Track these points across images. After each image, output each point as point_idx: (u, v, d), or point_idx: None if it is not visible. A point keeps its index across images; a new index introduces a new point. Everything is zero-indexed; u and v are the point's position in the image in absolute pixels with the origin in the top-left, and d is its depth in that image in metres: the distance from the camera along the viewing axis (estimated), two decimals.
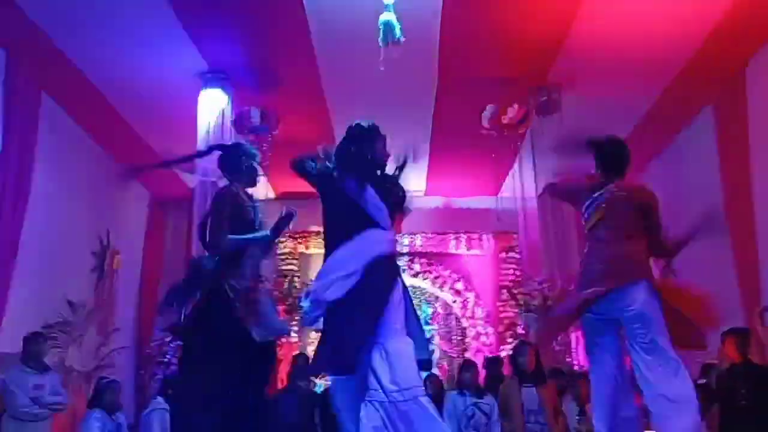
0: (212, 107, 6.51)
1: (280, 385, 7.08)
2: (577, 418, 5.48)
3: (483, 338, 9.05)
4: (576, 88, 6.50)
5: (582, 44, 5.85)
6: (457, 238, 9.42)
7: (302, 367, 6.18)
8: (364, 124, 3.16)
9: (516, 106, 6.77)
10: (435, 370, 8.04)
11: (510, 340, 8.54)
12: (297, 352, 7.92)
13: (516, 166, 7.64)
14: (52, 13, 5.37)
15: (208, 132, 6.53)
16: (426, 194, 9.15)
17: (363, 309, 2.80)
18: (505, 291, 9.05)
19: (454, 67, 6.18)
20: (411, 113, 6.76)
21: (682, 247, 3.53)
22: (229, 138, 6.66)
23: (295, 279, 8.94)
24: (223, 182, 3.77)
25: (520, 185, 7.58)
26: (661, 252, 3.55)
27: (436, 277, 9.29)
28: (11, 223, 5.74)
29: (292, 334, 8.61)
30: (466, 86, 6.48)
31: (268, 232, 3.48)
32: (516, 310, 8.74)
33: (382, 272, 2.89)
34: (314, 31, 5.66)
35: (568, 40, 5.82)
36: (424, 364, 3.03)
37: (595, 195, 3.45)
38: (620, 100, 6.70)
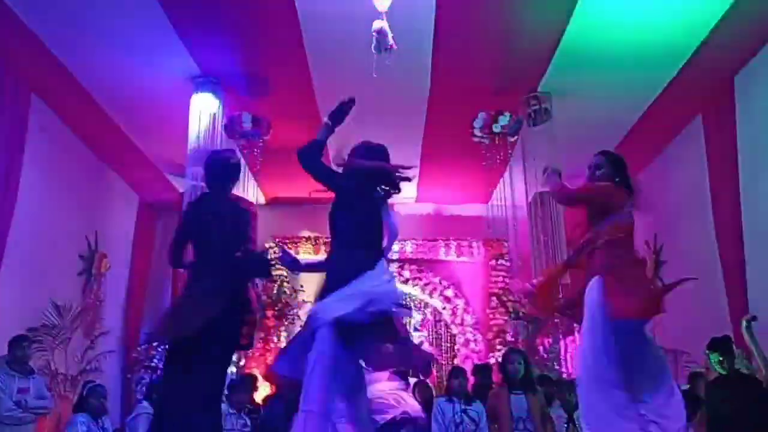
0: (203, 112, 6.49)
1: (269, 391, 7.06)
2: (565, 425, 5.49)
3: (472, 345, 9.05)
4: (567, 98, 6.54)
5: (573, 54, 5.89)
6: (447, 245, 9.43)
7: None
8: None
9: (508, 114, 6.81)
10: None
11: (499, 347, 8.55)
12: None
13: (506, 174, 7.67)
14: (44, 16, 5.35)
15: (198, 137, 6.52)
16: (417, 201, 9.17)
17: None
18: (494, 298, 9.07)
19: (446, 75, 6.20)
20: (403, 120, 6.78)
21: None
22: (220, 143, 6.66)
23: (285, 284, 8.91)
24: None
25: (511, 193, 7.60)
26: None
27: (425, 284, 9.30)
28: None
29: (281, 339, 8.59)
30: (458, 94, 6.51)
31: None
32: (505, 318, 8.77)
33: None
34: (307, 37, 5.66)
35: (560, 51, 5.86)
36: (423, 368, 3.09)
37: (626, 209, 3.47)
38: (611, 110, 6.75)
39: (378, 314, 2.89)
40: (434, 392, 6.79)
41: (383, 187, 3.22)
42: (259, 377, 7.41)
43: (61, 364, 6.68)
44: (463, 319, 9.21)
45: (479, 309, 9.25)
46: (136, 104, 6.68)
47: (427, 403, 6.01)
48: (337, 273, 2.98)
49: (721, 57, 5.87)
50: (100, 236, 7.74)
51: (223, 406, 5.49)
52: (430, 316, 9.29)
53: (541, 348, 7.97)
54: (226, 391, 4.85)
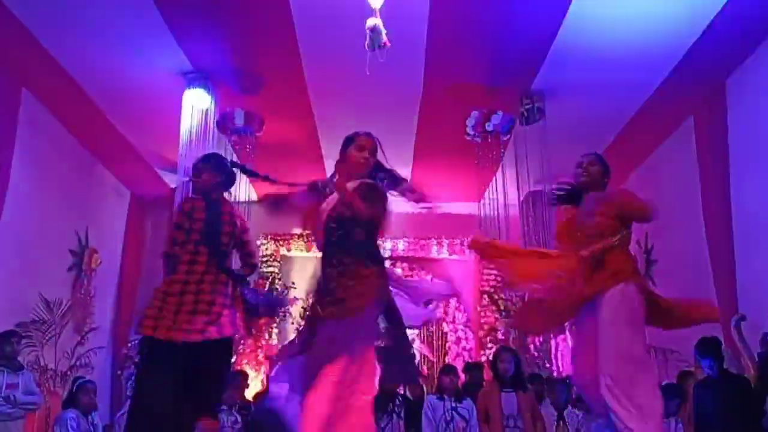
0: (195, 107, 6.47)
1: (260, 388, 7.05)
2: (555, 423, 5.52)
3: (463, 343, 9.07)
4: (559, 98, 6.55)
5: (566, 54, 5.90)
6: (439, 243, 9.44)
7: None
8: None
9: (500, 113, 6.82)
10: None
11: (490, 345, 8.57)
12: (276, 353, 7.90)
13: (499, 173, 7.68)
14: (35, 10, 5.31)
15: (191, 132, 6.49)
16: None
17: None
18: (486, 296, 9.09)
19: (439, 73, 6.20)
20: (396, 118, 6.77)
21: None
22: (212, 139, 6.64)
23: (276, 281, 8.90)
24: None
25: (503, 192, 7.62)
26: None
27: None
28: None
29: (273, 336, 8.58)
30: (451, 93, 6.51)
31: None
32: (496, 316, 8.79)
33: None
34: (300, 34, 5.65)
35: (553, 50, 5.87)
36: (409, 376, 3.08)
37: None
38: (603, 110, 6.76)
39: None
40: (425, 390, 6.82)
41: None
42: (250, 374, 7.40)
43: (50, 360, 6.65)
44: (454, 317, 9.23)
45: (471, 307, 9.26)
46: (128, 99, 6.64)
47: (418, 401, 6.04)
48: None
49: (714, 59, 5.90)
50: (90, 231, 7.70)
51: None
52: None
53: (532, 346, 8.00)
54: None
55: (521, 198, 7.54)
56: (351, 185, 3.07)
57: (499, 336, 8.65)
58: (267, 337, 8.55)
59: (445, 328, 9.26)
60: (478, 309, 9.17)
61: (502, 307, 8.39)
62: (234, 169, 3.84)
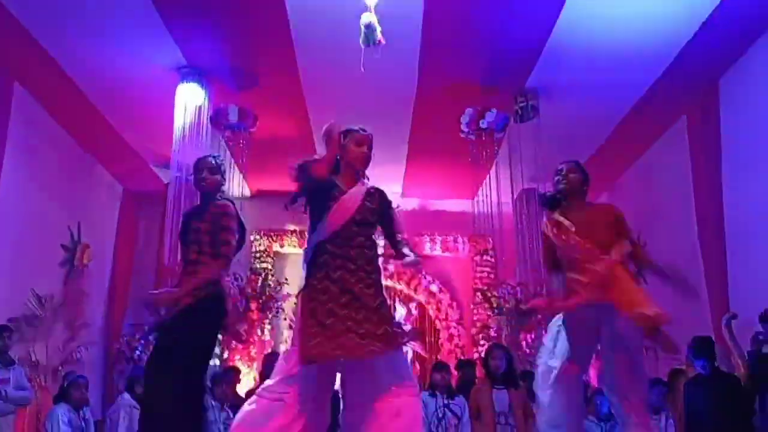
0: (189, 103, 6.45)
1: (252, 384, 7.04)
2: None
3: (456, 340, 9.09)
4: (553, 96, 6.57)
5: (560, 53, 5.92)
6: (432, 240, 9.45)
7: (273, 365, 6.14)
8: None
9: (495, 111, 6.83)
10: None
11: (482, 342, 8.58)
12: (269, 350, 7.89)
13: (493, 170, 7.70)
14: (27, 3, 5.27)
15: (184, 128, 6.48)
16: (403, 196, 9.17)
17: None
18: (478, 293, 9.10)
19: (434, 71, 6.20)
20: (390, 115, 6.77)
21: None
22: (206, 135, 6.63)
23: (269, 277, 8.89)
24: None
25: (497, 189, 7.63)
26: None
27: (410, 279, 9.31)
28: None
29: (265, 332, 8.57)
30: (445, 90, 6.51)
31: None
32: (489, 313, 8.80)
33: None
34: (295, 30, 5.64)
35: (547, 49, 5.89)
36: None
37: None
38: (596, 109, 6.78)
39: None
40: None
41: None
42: (243, 370, 7.39)
43: (42, 355, 6.62)
44: (447, 314, 9.24)
45: (463, 304, 9.28)
46: (121, 94, 6.61)
47: None
48: None
49: (706, 59, 5.92)
50: (83, 227, 7.66)
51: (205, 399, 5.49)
52: (414, 311, 9.31)
53: (524, 343, 8.02)
54: (209, 384, 4.84)
55: (515, 196, 7.56)
56: (358, 189, 3.02)
57: (492, 333, 8.67)
58: (259, 333, 8.54)
59: (438, 325, 9.28)
60: (471, 306, 9.18)
61: (494, 305, 8.40)
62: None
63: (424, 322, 9.35)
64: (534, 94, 6.63)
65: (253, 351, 8.27)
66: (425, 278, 9.29)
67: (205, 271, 3.36)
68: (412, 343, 8.81)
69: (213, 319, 3.43)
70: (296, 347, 2.85)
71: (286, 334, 8.74)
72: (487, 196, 7.88)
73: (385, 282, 8.78)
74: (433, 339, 9.27)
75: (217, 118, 6.80)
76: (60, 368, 6.76)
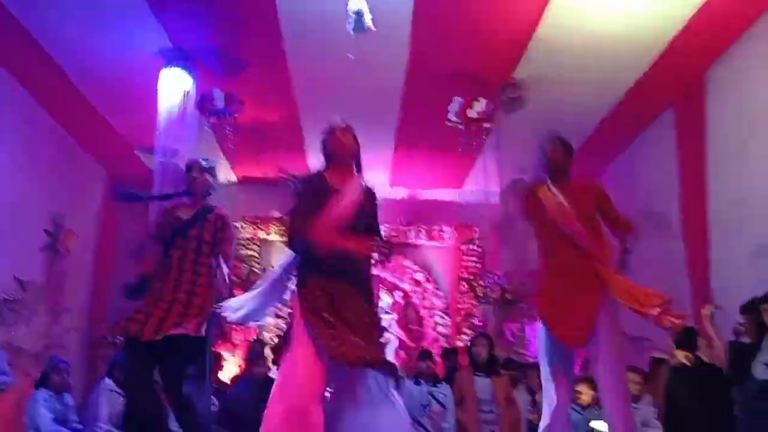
0: (175, 87, 6.37)
1: (236, 371, 7.05)
2: (529, 408, 5.59)
3: (441, 328, 9.12)
4: (541, 87, 6.57)
5: (549, 44, 5.91)
6: (419, 229, 9.46)
7: (258, 352, 6.14)
8: None
9: (483, 101, 6.82)
10: (392, 359, 8.10)
11: (467, 331, 8.63)
12: (254, 337, 7.89)
13: (480, 160, 7.70)
14: None
15: (169, 113, 6.40)
16: (390, 185, 9.16)
17: None
18: (464, 283, 9.14)
19: (423, 59, 6.18)
20: (378, 103, 6.74)
21: None
22: (191, 120, 6.56)
23: (255, 265, 8.86)
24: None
25: (484, 179, 7.64)
26: None
27: (396, 268, 9.32)
28: None
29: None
30: (434, 79, 6.49)
31: None
32: (474, 302, 8.85)
33: None
34: (283, 15, 5.58)
35: (535, 39, 5.88)
36: None
37: None
38: (584, 100, 6.80)
39: None
40: (402, 374, 6.86)
41: None
42: (226, 356, 7.39)
43: (23, 340, 6.57)
44: (432, 303, 9.27)
45: (449, 293, 9.31)
46: (105, 77, 6.52)
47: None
48: None
49: (694, 52, 5.94)
50: (66, 211, 7.58)
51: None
52: (400, 300, 9.33)
53: (508, 332, 8.08)
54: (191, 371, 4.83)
55: (502, 186, 7.57)
56: (353, 189, 2.97)
57: (476, 322, 8.72)
58: None
59: (423, 313, 9.31)
60: (456, 295, 9.22)
61: (480, 294, 8.45)
62: None
63: (409, 310, 9.38)
64: (522, 84, 6.63)
65: (237, 338, 8.25)
66: (411, 267, 9.31)
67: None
68: (399, 330, 8.85)
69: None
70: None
71: (271, 322, 8.74)
72: (474, 185, 7.89)
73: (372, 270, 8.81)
74: (418, 327, 9.31)
75: (203, 104, 6.73)
76: (42, 353, 6.71)
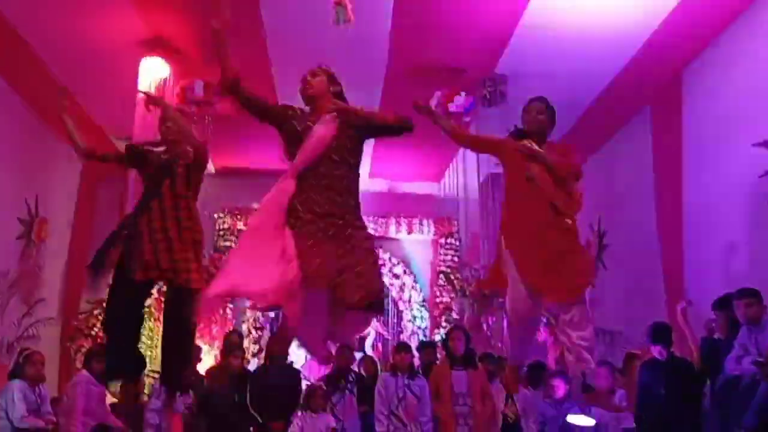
0: (153, 76, 6.30)
1: (213, 362, 7.01)
2: (504, 402, 5.64)
3: (418, 322, 9.16)
4: (521, 82, 6.60)
5: (529, 39, 5.95)
6: (398, 222, 9.47)
7: (235, 344, 6.12)
8: None
9: (463, 95, 6.84)
10: (370, 352, 8.12)
11: (444, 324, 8.68)
12: (231, 329, 7.85)
13: (460, 153, 7.73)
14: None
15: (148, 91, 6.32)
16: (369, 176, 9.15)
17: None
18: (442, 276, 9.18)
19: (404, 53, 6.18)
20: (359, 96, 6.66)
21: None
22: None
23: None
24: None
25: (463, 173, 7.67)
26: None
27: None
28: None
29: (227, 312, 8.52)
30: (414, 73, 6.50)
31: None
32: (452, 295, 8.89)
33: None
34: (264, 6, 5.55)
35: (516, 35, 5.92)
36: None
37: None
38: (563, 96, 6.80)
39: None
40: (379, 367, 6.88)
41: None
42: (204, 348, 7.34)
43: None
44: (410, 296, 9.30)
45: (427, 286, 9.35)
46: (82, 64, 6.42)
47: (371, 377, 6.09)
48: None
49: (671, 51, 6.01)
50: (40, 200, 7.48)
51: None
52: None
53: (485, 325, 8.13)
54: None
55: (481, 179, 7.61)
56: (329, 116, 3.04)
57: (454, 315, 8.77)
58: (221, 312, 8.49)
59: (401, 306, 9.34)
60: (434, 289, 9.26)
61: (457, 287, 8.49)
62: None
63: (386, 303, 9.41)
64: (502, 79, 6.66)
65: (215, 330, 8.22)
66: (390, 260, 9.32)
67: None
68: (376, 323, 8.86)
69: None
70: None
71: (248, 314, 8.71)
72: (453, 179, 7.92)
73: None
74: (395, 320, 9.34)
75: (183, 93, 6.66)
76: (15, 344, 6.62)
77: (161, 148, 3.90)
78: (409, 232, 9.52)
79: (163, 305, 4.01)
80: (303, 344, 3.56)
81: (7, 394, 4.99)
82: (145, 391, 6.39)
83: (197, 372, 6.27)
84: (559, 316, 3.45)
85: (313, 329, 2.92)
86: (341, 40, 4.59)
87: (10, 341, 6.66)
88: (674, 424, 4.65)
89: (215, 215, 8.87)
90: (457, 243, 9.26)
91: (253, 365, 7.52)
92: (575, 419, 4.90)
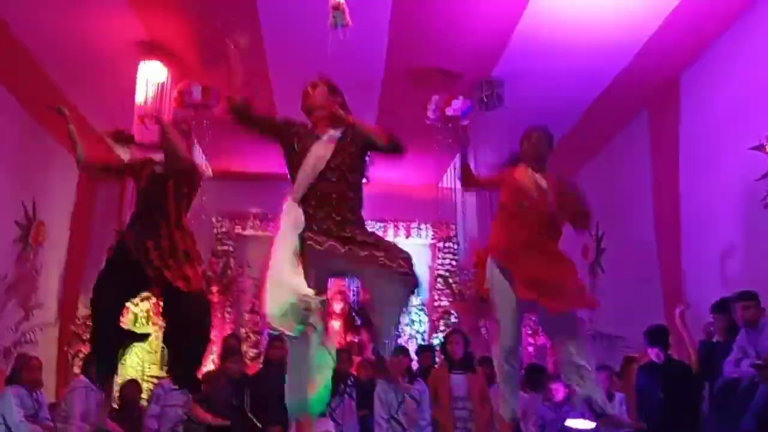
0: (151, 80, 6.30)
1: (212, 366, 6.99)
2: None
3: (417, 326, 9.15)
4: (519, 85, 6.61)
5: (526, 43, 5.96)
6: (396, 226, 9.47)
7: (233, 348, 6.11)
8: None
9: (461, 98, 6.84)
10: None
11: (443, 328, 8.67)
12: (229, 332, 7.84)
13: (457, 157, 7.72)
14: None
15: (145, 105, 6.33)
16: (367, 181, 9.14)
17: None
18: (440, 280, 9.17)
19: (401, 56, 6.19)
20: (356, 100, 6.66)
21: None
22: (168, 113, 6.49)
23: (230, 260, 8.81)
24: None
25: (461, 177, 7.67)
26: None
27: None
28: None
29: (226, 316, 8.50)
30: (412, 76, 6.50)
31: None
32: (451, 299, 8.88)
33: None
34: (262, 10, 5.55)
35: (514, 38, 5.92)
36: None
37: None
38: (561, 99, 6.85)
39: None
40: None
41: None
42: None
43: None
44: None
45: (425, 290, 9.34)
46: (80, 68, 6.42)
47: (369, 382, 6.08)
48: None
49: (669, 54, 6.03)
50: (38, 204, 7.46)
51: (165, 382, 5.43)
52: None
53: (483, 329, 8.12)
54: (167, 366, 4.83)
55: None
56: (326, 137, 3.02)
57: (452, 319, 8.76)
58: (219, 316, 8.47)
59: None
60: (433, 293, 9.25)
61: (456, 291, 8.49)
62: None
63: None
64: (500, 82, 6.66)
65: (213, 333, 8.19)
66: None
67: None
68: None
69: None
70: None
71: (247, 317, 8.70)
72: (451, 182, 7.92)
73: None
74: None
75: (181, 96, 6.66)
76: (12, 349, 6.60)
77: (159, 157, 3.91)
78: (407, 236, 9.52)
79: (162, 312, 4.04)
80: None
81: (5, 400, 4.97)
82: (144, 396, 6.37)
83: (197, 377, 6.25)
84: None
85: None
86: (339, 44, 4.58)
87: (7, 346, 6.63)
88: (672, 427, 4.65)
89: (213, 219, 8.85)
90: (456, 247, 9.26)
91: (251, 369, 7.50)
92: (574, 423, 4.90)
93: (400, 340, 8.85)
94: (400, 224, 9.49)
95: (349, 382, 5.79)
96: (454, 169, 7.80)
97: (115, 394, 5.87)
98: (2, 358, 6.47)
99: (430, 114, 7.05)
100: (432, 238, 9.51)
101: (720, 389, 4.36)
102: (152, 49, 6.18)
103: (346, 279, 7.22)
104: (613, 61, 6.23)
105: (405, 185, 9.54)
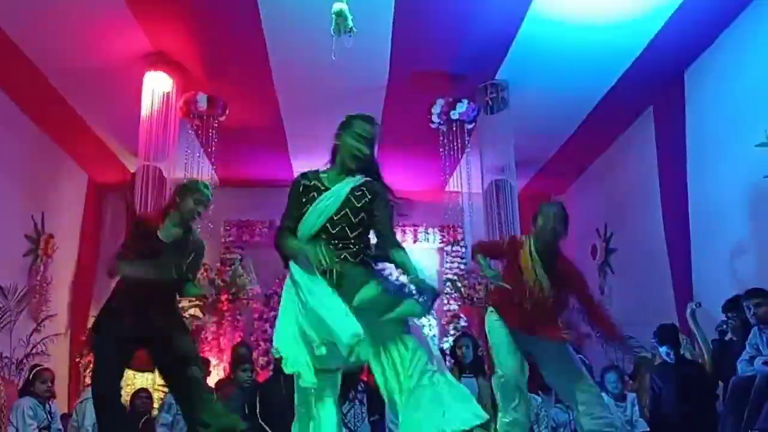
0: (157, 90, 6.34)
1: (223, 375, 7.00)
2: None
3: (426, 330, 9.13)
4: (524, 88, 6.61)
5: (530, 45, 5.96)
6: (403, 231, 9.46)
7: (244, 356, 6.11)
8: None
9: (465, 102, 6.85)
10: None
11: (452, 332, 8.65)
12: (239, 341, 7.84)
13: (463, 161, 7.73)
14: None
15: (151, 116, 6.37)
16: None
17: None
18: (449, 284, 9.15)
19: (405, 61, 6.19)
20: (360, 105, 6.68)
21: None
22: (174, 123, 6.52)
23: (239, 269, 8.80)
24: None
25: (467, 180, 7.67)
26: None
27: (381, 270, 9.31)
28: None
29: (236, 323, 8.50)
30: (416, 80, 6.51)
31: None
32: (459, 303, 8.86)
33: None
34: (265, 17, 5.57)
35: (518, 40, 5.92)
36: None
37: None
38: (566, 100, 6.85)
39: None
40: None
41: None
42: (213, 361, 7.34)
43: (5, 348, 6.49)
44: None
45: None
46: (87, 80, 6.45)
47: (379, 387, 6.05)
48: None
49: (673, 51, 6.01)
50: (47, 216, 7.50)
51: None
52: None
53: None
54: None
55: (485, 187, 7.60)
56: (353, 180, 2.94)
57: (462, 323, 8.73)
58: (228, 323, 8.47)
59: None
60: (441, 296, 9.23)
61: (465, 295, 8.45)
62: None
63: None
64: (504, 85, 6.67)
65: (223, 342, 8.20)
66: (396, 268, 9.28)
67: None
68: None
69: None
70: None
71: (256, 325, 8.71)
72: (457, 186, 7.91)
73: None
74: None
75: (186, 106, 6.70)
76: (24, 361, 6.63)
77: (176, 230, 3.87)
78: (415, 240, 9.51)
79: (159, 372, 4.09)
80: None
81: (18, 411, 5.00)
82: (155, 405, 6.37)
83: (207, 385, 6.26)
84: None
85: None
86: (343, 49, 4.60)
87: (20, 358, 6.66)
88: (686, 426, 4.62)
89: (221, 227, 8.87)
90: (463, 250, 9.25)
91: (261, 377, 7.50)
92: None
93: None
94: (408, 228, 9.48)
95: (360, 388, 5.78)
96: (461, 172, 7.79)
97: (126, 402, 5.88)
98: (15, 370, 6.50)
99: (435, 118, 7.06)
100: (440, 242, 9.50)
101: (734, 388, 4.32)
102: (157, 60, 6.21)
103: None
104: (618, 59, 6.23)
105: (411, 190, 9.54)
